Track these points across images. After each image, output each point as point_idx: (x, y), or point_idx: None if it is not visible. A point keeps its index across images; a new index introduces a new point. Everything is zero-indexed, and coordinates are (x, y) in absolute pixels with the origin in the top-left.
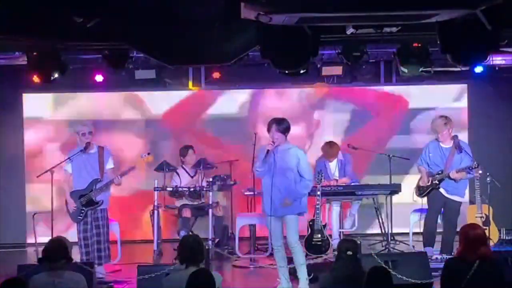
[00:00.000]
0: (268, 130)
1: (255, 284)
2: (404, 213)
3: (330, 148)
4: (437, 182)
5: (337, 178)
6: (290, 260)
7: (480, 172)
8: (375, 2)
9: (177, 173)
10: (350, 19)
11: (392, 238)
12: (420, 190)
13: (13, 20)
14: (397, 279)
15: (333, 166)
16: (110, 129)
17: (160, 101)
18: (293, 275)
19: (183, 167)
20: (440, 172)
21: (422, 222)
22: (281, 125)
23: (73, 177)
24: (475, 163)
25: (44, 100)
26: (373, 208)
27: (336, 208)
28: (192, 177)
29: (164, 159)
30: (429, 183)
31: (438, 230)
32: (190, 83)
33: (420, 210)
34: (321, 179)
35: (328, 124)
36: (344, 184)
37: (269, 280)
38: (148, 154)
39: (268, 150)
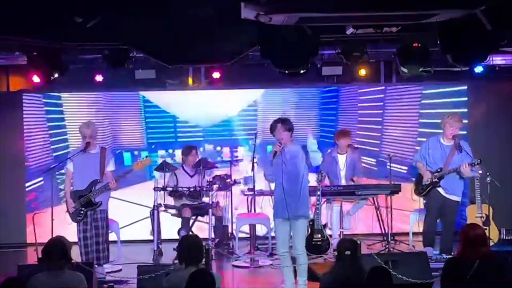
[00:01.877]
0: (272, 131)
1: (255, 284)
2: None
3: (343, 135)
4: (437, 180)
5: (343, 176)
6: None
7: (480, 171)
8: (375, 2)
9: (175, 174)
10: (350, 19)
11: (392, 238)
12: (420, 189)
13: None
14: (397, 279)
15: (342, 162)
16: None
17: None
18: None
19: (183, 167)
20: (439, 169)
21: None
22: (287, 124)
23: (74, 176)
24: (477, 159)
25: (44, 100)
26: (373, 208)
27: (336, 208)
28: (191, 176)
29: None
30: (429, 182)
31: (437, 230)
32: (190, 80)
33: (420, 210)
34: (321, 178)
35: None
36: (344, 184)
37: (269, 280)
38: (146, 157)
39: (275, 152)
